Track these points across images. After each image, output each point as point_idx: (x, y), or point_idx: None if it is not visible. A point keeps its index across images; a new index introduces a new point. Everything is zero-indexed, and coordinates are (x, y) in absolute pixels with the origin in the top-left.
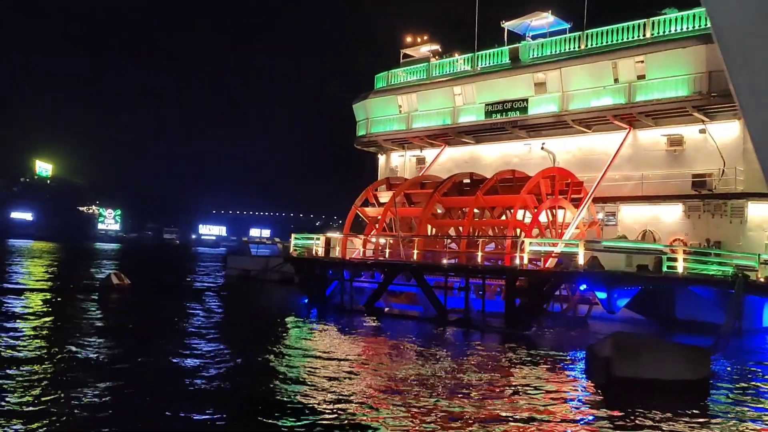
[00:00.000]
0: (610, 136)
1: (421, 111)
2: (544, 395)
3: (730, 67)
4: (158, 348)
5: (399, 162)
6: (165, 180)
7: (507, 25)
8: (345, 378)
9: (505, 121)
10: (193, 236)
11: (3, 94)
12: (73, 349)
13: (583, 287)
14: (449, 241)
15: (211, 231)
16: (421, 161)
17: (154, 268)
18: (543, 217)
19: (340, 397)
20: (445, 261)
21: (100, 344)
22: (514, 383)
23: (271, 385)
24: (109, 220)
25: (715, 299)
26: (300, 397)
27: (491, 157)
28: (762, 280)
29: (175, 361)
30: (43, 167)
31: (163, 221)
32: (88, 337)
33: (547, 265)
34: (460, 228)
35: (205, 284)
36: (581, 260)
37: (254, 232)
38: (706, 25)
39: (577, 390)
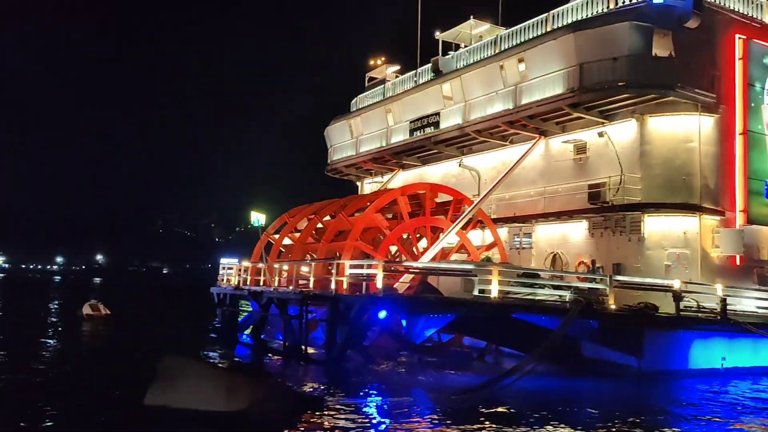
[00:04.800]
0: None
1: (365, 134)
2: None
3: None
4: None
5: (369, 189)
6: None
7: (441, 36)
8: None
9: (422, 138)
10: None
11: (229, 153)
12: None
13: (382, 314)
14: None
15: None
16: None
17: None
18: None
19: None
20: (291, 288)
21: None
22: None
23: None
24: None
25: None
26: None
27: (435, 177)
28: (613, 307)
29: None
30: (258, 217)
31: None
32: None
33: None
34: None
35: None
36: (379, 283)
37: None
38: (606, 8)
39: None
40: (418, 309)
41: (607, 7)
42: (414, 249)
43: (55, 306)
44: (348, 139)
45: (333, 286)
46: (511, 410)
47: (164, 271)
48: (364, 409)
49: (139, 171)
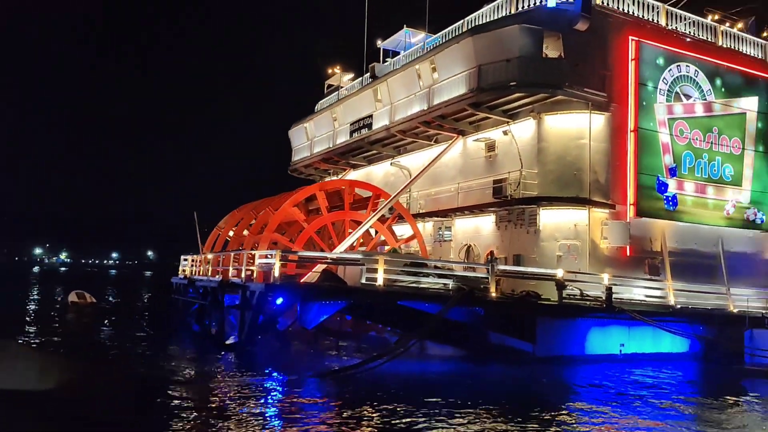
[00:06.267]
0: (455, 147)
1: (317, 137)
2: None
3: None
4: None
5: None
6: None
7: (382, 44)
8: None
9: (359, 139)
10: None
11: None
12: None
13: (279, 300)
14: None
15: None
16: None
17: None
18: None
19: None
20: (216, 277)
21: None
22: None
23: None
24: None
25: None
26: None
27: (378, 176)
28: (494, 295)
29: None
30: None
31: None
32: None
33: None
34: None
35: None
36: (276, 272)
37: None
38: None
39: None
40: (310, 296)
41: (509, 12)
42: (332, 241)
43: (59, 294)
44: (305, 141)
45: (243, 274)
46: (381, 392)
47: None
48: (219, 390)
49: (191, 174)
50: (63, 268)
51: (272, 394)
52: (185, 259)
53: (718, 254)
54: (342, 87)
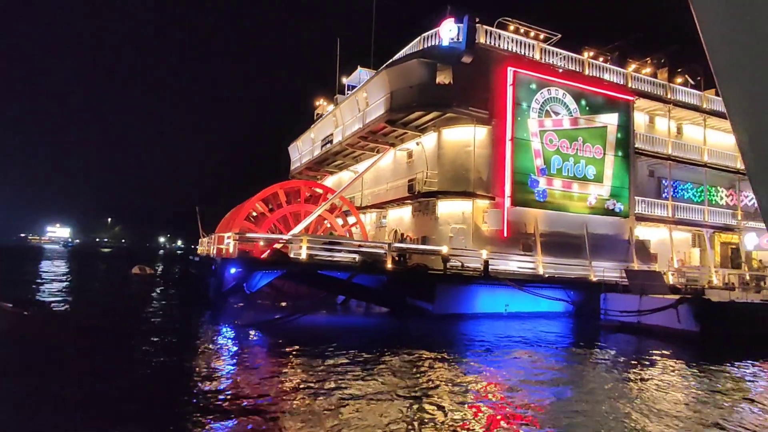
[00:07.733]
0: (388, 156)
1: (304, 152)
2: None
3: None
4: None
5: None
6: None
7: (347, 81)
8: None
9: (325, 152)
10: None
11: None
12: None
13: (233, 270)
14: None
15: None
16: None
17: None
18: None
19: None
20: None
21: None
22: None
23: None
24: None
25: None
26: None
27: (345, 180)
28: (390, 266)
29: None
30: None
31: None
32: None
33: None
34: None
35: None
36: (232, 249)
37: None
38: (422, 47)
39: None
40: (253, 266)
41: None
42: (291, 226)
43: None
44: (297, 155)
45: (214, 251)
46: (305, 337)
47: None
48: (187, 333)
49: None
50: (179, 251)
51: (222, 336)
52: (201, 243)
53: (583, 235)
54: (324, 114)
